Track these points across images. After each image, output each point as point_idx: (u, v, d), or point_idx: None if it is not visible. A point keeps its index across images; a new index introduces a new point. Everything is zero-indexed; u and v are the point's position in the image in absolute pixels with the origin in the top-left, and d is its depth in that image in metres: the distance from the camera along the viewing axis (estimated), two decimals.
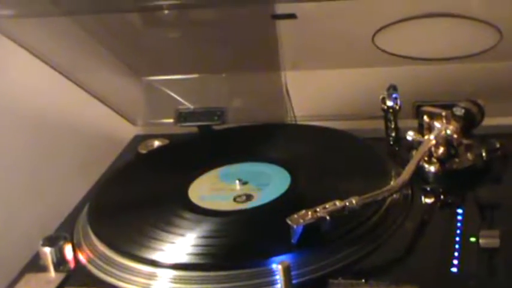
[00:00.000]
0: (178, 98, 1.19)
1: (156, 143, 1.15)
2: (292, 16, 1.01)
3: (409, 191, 0.94)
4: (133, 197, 0.99)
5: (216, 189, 0.98)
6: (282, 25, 1.06)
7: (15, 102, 1.10)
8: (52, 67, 1.11)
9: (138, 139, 1.18)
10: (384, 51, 1.05)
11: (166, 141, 1.15)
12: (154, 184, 1.02)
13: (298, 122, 1.17)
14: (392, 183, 0.91)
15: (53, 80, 1.14)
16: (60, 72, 1.12)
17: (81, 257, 0.91)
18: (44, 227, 0.97)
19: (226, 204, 0.94)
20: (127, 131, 1.20)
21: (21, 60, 1.10)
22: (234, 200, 0.95)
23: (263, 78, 1.17)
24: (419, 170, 0.94)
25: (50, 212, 1.03)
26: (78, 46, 1.11)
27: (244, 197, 0.95)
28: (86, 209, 0.98)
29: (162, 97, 1.19)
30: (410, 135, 0.98)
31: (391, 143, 1.06)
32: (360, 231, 0.86)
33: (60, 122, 1.16)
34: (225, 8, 1.03)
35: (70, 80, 1.13)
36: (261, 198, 0.94)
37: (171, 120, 1.18)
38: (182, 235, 0.89)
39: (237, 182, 0.98)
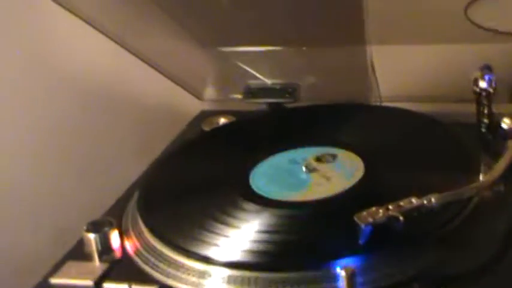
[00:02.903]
0: (250, 71, 1.10)
1: (222, 120, 1.07)
2: None
3: (502, 188, 0.82)
4: (188, 181, 0.91)
5: (280, 175, 0.89)
6: None
7: (71, 74, 1.05)
8: (111, 38, 1.03)
9: (204, 115, 1.11)
10: (478, 25, 0.94)
11: (233, 119, 1.07)
12: (213, 167, 0.93)
13: (384, 103, 1.06)
14: (481, 178, 0.81)
15: (113, 51, 1.06)
16: (120, 44, 1.04)
17: (128, 246, 0.83)
18: (99, 207, 0.91)
19: (289, 193, 0.85)
20: (193, 106, 1.13)
21: (79, 31, 1.03)
22: (298, 189, 0.85)
23: (346, 53, 1.06)
24: None
25: (105, 191, 0.96)
26: (140, 12, 1.04)
27: (309, 187, 0.85)
28: (136, 194, 0.90)
29: (232, 70, 1.11)
30: (506, 123, 0.87)
31: (483, 130, 0.94)
32: (441, 233, 0.76)
33: (120, 95, 1.10)
34: None
35: (131, 52, 1.05)
36: (328, 189, 0.84)
37: (240, 96, 1.10)
38: (238, 228, 0.80)
39: (304, 168, 0.88)
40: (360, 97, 1.06)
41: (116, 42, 1.05)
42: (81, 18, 1.01)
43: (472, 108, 0.95)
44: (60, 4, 0.99)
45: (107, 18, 1.03)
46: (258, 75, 1.10)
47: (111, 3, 1.02)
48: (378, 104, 1.06)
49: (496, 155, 0.84)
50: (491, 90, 0.92)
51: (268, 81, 1.10)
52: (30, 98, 1.04)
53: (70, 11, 1.00)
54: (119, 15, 1.04)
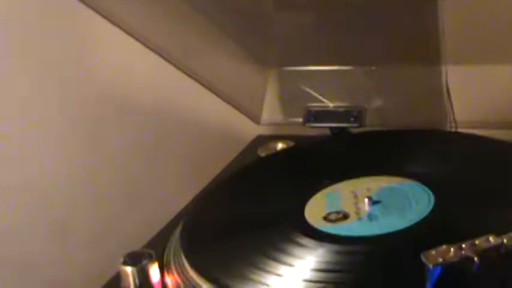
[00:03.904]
0: (312, 93, 1.03)
1: (280, 146, 0.99)
2: None
3: None
4: (238, 213, 0.83)
5: (340, 208, 0.80)
6: (445, 9, 0.89)
7: (122, 94, 1.01)
8: (166, 58, 0.97)
9: (261, 140, 1.03)
10: None
11: (292, 144, 0.99)
12: (267, 198, 0.85)
13: (459, 130, 0.97)
14: None
15: (167, 72, 1.01)
16: (175, 64, 0.98)
17: (169, 282, 0.75)
18: (144, 236, 0.85)
19: (349, 228, 0.76)
20: (249, 130, 1.06)
21: (128, 47, 0.98)
22: (360, 223, 0.76)
23: (418, 74, 0.99)
24: None
25: (151, 219, 0.89)
26: (196, 31, 0.98)
27: (371, 220, 0.76)
28: (180, 225, 0.82)
29: (293, 92, 1.04)
30: None
31: None
32: None
33: (171, 116, 1.05)
34: None
35: (185, 72, 0.99)
36: (393, 224, 0.75)
37: (300, 120, 1.02)
38: (291, 265, 0.71)
39: (367, 200, 0.79)
40: (432, 122, 0.98)
41: (170, 62, 1.00)
42: (136, 38, 0.96)
43: None
44: (113, 23, 0.94)
45: (161, 38, 0.98)
46: (320, 97, 1.03)
47: (165, 21, 0.97)
48: (453, 130, 0.97)
49: None
50: None
51: (332, 104, 1.03)
52: (77, 119, 1.00)
53: (123, 30, 0.95)
54: (174, 34, 0.99)
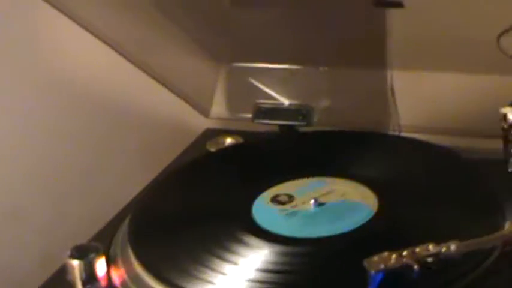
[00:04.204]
0: (263, 89, 1.04)
1: (228, 141, 1.00)
2: (398, 5, 0.83)
3: None
4: (185, 208, 0.83)
5: (286, 208, 0.81)
6: (393, 16, 0.90)
7: (72, 86, 0.99)
8: (113, 48, 0.96)
9: (209, 133, 1.04)
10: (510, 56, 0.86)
11: (240, 140, 0.99)
12: (214, 194, 0.85)
13: (402, 134, 0.99)
14: (507, 227, 0.71)
15: (116, 63, 1.01)
16: (126, 56, 0.98)
17: (115, 276, 0.76)
18: (92, 229, 0.85)
19: (295, 229, 0.77)
20: (198, 123, 1.06)
21: (85, 43, 0.98)
22: (305, 224, 0.77)
23: (365, 77, 1.01)
24: None
25: (101, 211, 0.89)
26: (145, 21, 0.98)
27: (317, 222, 0.77)
28: (128, 218, 0.83)
29: (243, 88, 1.04)
30: None
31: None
32: (460, 285, 0.68)
33: (121, 108, 1.03)
34: None
35: (133, 63, 0.98)
36: (337, 227, 0.76)
37: (249, 116, 1.03)
38: (236, 264, 0.73)
39: (312, 201, 0.80)
40: (377, 125, 0.99)
41: (122, 55, 0.99)
42: (88, 30, 0.96)
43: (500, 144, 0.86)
44: (67, 15, 0.94)
45: (115, 31, 0.98)
46: (270, 94, 1.04)
47: (119, 15, 0.97)
48: (396, 133, 0.99)
49: None
50: None
51: (281, 102, 1.04)
52: (28, 109, 0.98)
53: (75, 21, 0.94)
54: (127, 27, 0.99)
